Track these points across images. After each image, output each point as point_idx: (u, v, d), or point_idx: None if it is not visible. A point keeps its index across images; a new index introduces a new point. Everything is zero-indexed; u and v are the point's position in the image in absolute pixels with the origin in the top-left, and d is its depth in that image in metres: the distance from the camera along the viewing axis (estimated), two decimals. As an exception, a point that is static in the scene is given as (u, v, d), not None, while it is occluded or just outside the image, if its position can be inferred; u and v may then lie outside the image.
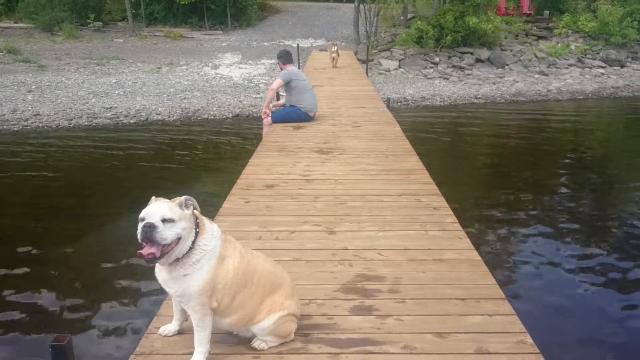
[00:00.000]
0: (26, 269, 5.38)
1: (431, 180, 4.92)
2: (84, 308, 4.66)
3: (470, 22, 19.23)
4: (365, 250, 3.42)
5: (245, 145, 10.12)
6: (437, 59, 19.19)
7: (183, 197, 2.14)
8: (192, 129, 11.90)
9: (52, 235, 6.28)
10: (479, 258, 3.31)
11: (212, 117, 12.84)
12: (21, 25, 23.77)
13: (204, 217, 2.25)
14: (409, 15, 23.47)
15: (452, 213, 4.09)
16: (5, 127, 11.51)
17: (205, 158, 9.73)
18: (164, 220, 2.03)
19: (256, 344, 2.38)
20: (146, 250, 2.02)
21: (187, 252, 2.12)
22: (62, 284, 5.11)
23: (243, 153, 9.10)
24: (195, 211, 2.20)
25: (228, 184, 5.08)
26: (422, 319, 2.62)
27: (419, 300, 2.81)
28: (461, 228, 3.79)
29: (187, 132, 11.56)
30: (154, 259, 2.03)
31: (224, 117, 12.89)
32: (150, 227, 2.00)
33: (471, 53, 19.61)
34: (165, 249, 2.05)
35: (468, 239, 3.60)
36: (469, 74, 18.25)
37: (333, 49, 15.01)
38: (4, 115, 12.02)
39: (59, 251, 5.81)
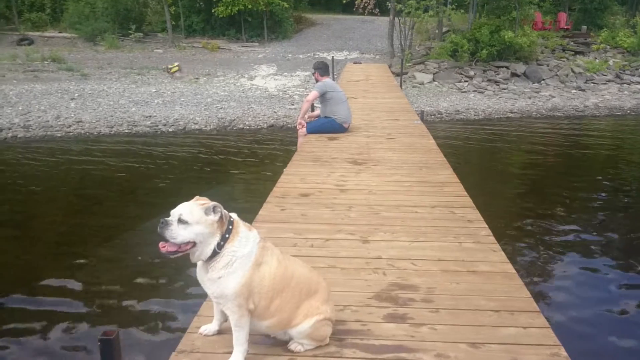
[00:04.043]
0: (74, 266, 5.62)
1: (465, 193, 4.91)
2: (129, 305, 4.85)
3: (506, 37, 19.01)
4: (399, 259, 3.45)
5: (280, 155, 10.26)
6: (471, 73, 19.06)
7: (211, 204, 2.20)
8: (228, 138, 12.12)
9: (96, 234, 6.54)
10: (514, 271, 3.31)
11: (248, 127, 13.06)
12: (65, 35, 24.61)
13: (242, 224, 2.31)
14: (444, 29, 23.35)
15: (487, 226, 4.08)
16: (49, 132, 11.96)
17: (241, 166, 9.91)
18: (179, 221, 2.12)
19: (292, 346, 2.44)
20: (162, 245, 2.16)
21: (214, 256, 2.20)
22: (108, 281, 5.31)
23: (278, 162, 9.25)
24: (235, 218, 2.29)
25: (264, 191, 5.18)
26: (455, 329, 2.64)
27: (453, 310, 2.83)
28: (495, 241, 3.78)
29: (224, 141, 11.78)
30: (167, 254, 2.16)
31: (259, 127, 13.09)
32: (162, 224, 2.13)
33: (507, 67, 19.40)
34: (181, 247, 2.15)
35: (502, 252, 3.59)
36: (504, 88, 18.07)
37: None
38: (48, 121, 12.50)
39: (104, 249, 6.05)
